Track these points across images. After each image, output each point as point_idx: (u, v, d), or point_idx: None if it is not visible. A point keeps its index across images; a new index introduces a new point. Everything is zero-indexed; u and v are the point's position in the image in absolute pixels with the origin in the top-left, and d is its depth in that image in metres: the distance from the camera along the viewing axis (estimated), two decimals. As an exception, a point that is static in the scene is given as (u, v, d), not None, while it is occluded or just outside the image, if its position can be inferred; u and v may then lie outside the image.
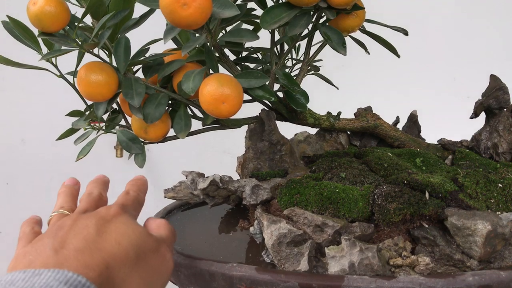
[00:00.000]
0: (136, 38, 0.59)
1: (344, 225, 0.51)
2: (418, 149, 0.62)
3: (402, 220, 0.51)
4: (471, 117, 0.62)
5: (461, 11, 1.42)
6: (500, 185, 0.54)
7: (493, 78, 0.60)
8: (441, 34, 1.43)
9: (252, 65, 0.66)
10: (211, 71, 0.54)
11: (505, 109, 0.61)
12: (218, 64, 0.61)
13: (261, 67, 0.65)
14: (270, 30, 0.61)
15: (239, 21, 0.64)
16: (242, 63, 0.64)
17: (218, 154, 1.47)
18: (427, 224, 0.52)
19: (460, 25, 1.43)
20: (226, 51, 0.65)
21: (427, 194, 0.53)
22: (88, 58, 0.56)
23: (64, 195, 0.49)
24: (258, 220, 0.53)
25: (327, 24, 0.56)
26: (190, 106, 0.59)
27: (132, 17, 0.58)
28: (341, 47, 0.53)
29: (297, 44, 0.70)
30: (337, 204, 0.53)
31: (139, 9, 0.55)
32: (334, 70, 1.40)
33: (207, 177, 0.58)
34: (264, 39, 0.61)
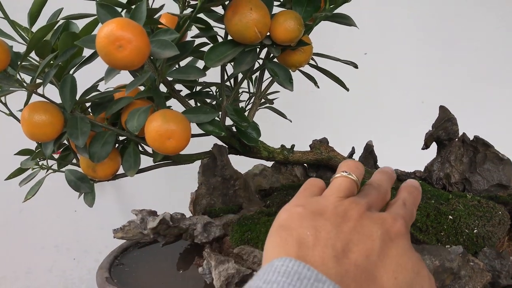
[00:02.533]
0: (92, 74, 0.59)
1: (294, 262, 0.51)
2: (372, 181, 0.62)
3: (351, 256, 0.51)
4: (423, 148, 0.62)
5: (429, 32, 1.45)
6: (450, 217, 0.54)
7: (442, 109, 0.60)
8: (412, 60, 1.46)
9: (209, 100, 0.66)
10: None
11: (456, 139, 0.61)
12: (173, 99, 0.61)
13: (214, 101, 0.65)
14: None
15: (191, 57, 0.64)
16: (196, 97, 0.64)
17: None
18: (378, 259, 0.51)
19: (428, 48, 1.46)
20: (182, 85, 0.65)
21: (377, 229, 0.52)
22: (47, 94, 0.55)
23: (352, 162, 0.42)
24: (207, 260, 0.52)
25: (274, 60, 0.56)
26: (141, 143, 0.58)
27: (83, 54, 0.57)
28: (287, 83, 0.54)
29: (253, 77, 0.70)
30: (288, 241, 0.52)
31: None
32: (303, 95, 1.42)
33: (158, 215, 0.57)
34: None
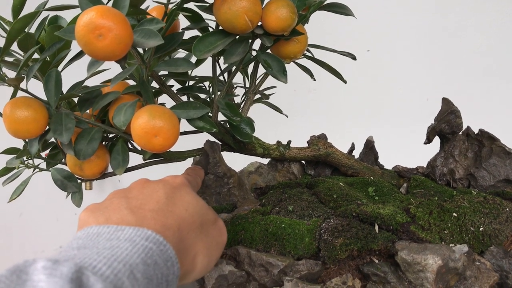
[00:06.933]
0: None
1: (289, 263, 0.48)
2: (372, 178, 0.59)
3: (349, 256, 0.48)
4: (425, 143, 0.59)
5: (433, 28, 1.42)
6: (454, 214, 0.51)
7: (445, 101, 0.57)
8: (413, 53, 1.43)
9: (203, 95, 0.64)
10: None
11: (460, 133, 0.58)
12: (165, 95, 0.59)
13: (209, 97, 0.63)
14: (217, 58, 0.59)
15: (187, 52, 0.62)
16: (188, 92, 0.62)
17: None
18: (378, 259, 0.48)
19: (434, 42, 1.42)
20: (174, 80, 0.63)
21: (376, 227, 0.50)
22: (35, 90, 0.53)
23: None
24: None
25: (268, 51, 0.53)
26: (130, 140, 0.56)
27: (73, 50, 0.55)
28: (281, 75, 0.51)
29: (248, 71, 0.68)
30: (283, 241, 0.50)
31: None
32: (306, 93, 1.39)
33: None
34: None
